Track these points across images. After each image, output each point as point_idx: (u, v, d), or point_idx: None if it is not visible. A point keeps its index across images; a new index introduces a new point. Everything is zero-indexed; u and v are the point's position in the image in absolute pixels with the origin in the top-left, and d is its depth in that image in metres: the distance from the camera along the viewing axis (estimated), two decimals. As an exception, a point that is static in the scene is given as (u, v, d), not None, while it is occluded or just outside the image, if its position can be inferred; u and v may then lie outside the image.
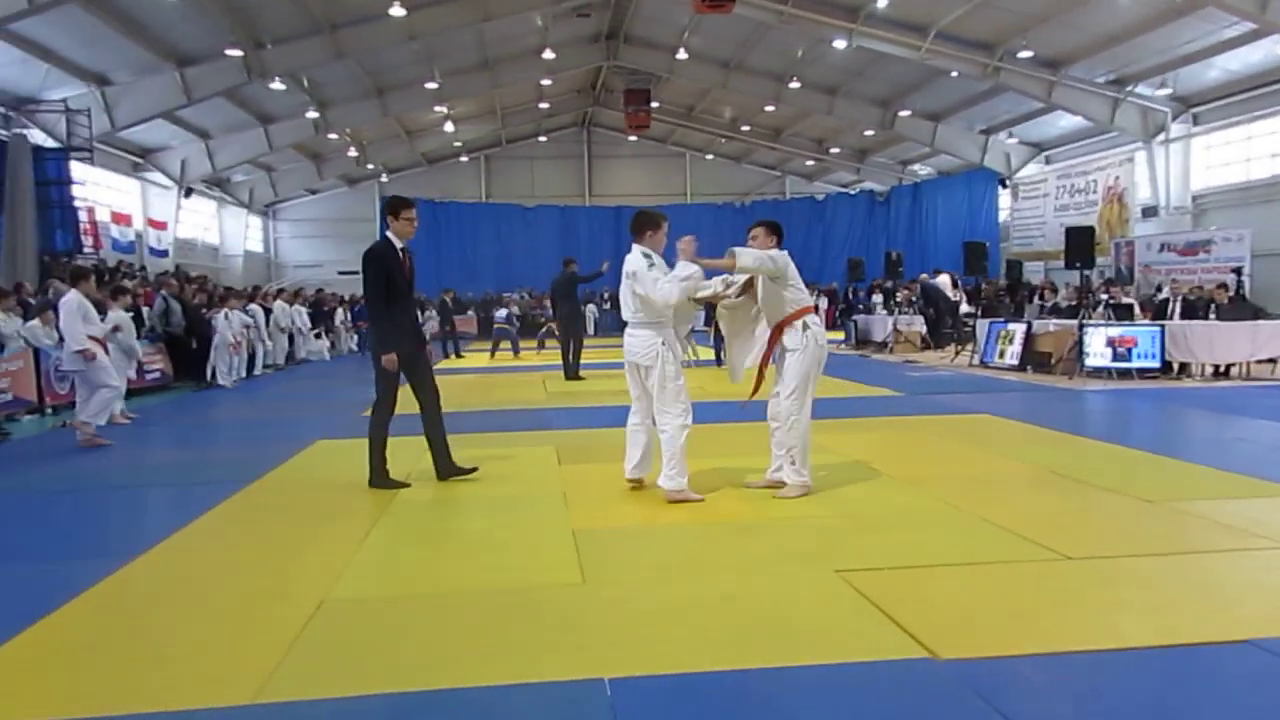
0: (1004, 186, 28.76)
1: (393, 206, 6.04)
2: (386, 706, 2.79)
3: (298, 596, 3.84)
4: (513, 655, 3.14)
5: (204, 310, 15.21)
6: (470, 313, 30.12)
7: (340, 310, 24.21)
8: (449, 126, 29.88)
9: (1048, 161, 27.60)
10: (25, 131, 17.89)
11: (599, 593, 3.81)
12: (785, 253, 5.76)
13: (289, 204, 34.80)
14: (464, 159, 35.50)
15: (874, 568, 4.03)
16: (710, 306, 6.75)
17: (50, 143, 18.62)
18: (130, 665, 3.15)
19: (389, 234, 5.98)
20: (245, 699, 2.83)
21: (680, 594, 3.76)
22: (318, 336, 20.83)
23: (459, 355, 20.46)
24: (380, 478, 6.01)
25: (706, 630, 3.34)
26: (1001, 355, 14.21)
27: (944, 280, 18.67)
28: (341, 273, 32.82)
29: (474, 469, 6.25)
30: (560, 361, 14.06)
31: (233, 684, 2.93)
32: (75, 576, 4.12)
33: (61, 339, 8.60)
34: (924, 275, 20.17)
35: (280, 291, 21.14)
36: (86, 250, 19.17)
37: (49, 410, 10.93)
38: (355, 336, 23.97)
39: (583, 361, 13.84)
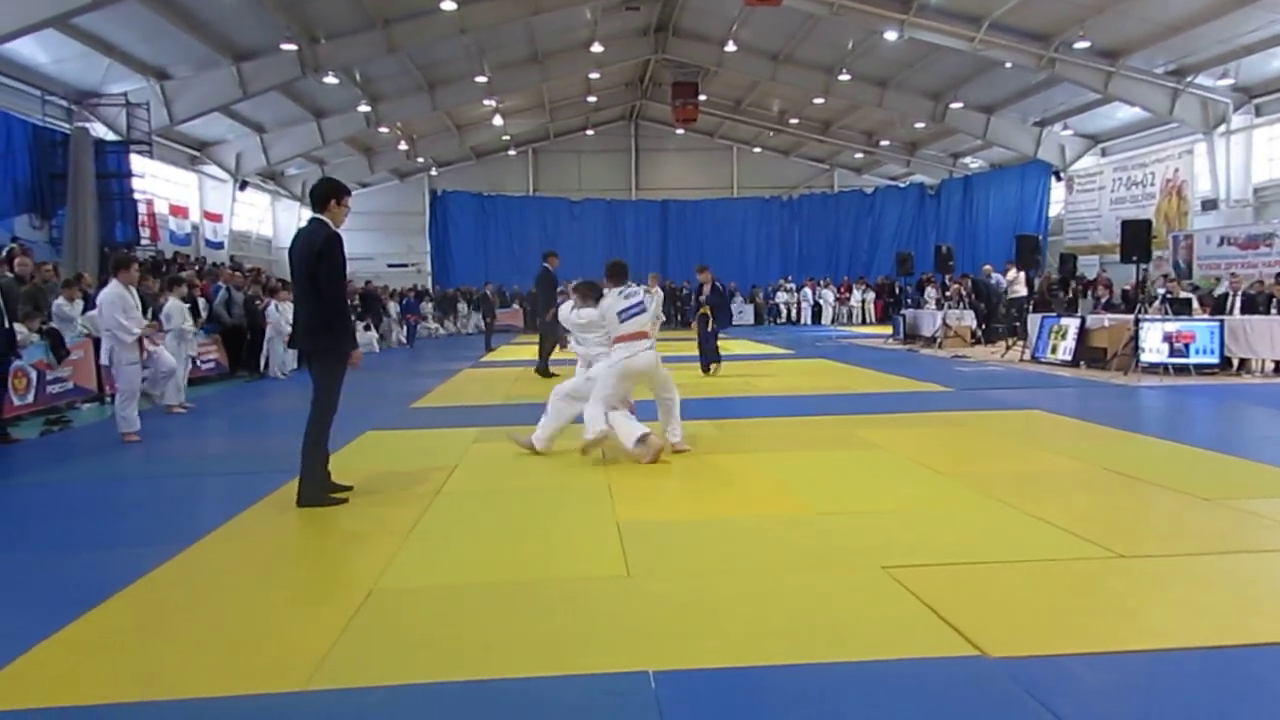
0: (1058, 179, 28.15)
1: (339, 191, 5.57)
2: (435, 695, 2.81)
3: (347, 585, 3.90)
4: (558, 646, 3.16)
5: (258, 302, 15.49)
6: (515, 306, 30.29)
7: (391, 303, 24.50)
8: (498, 120, 30.07)
9: (1104, 153, 26.93)
10: (87, 125, 18.32)
11: (644, 585, 3.81)
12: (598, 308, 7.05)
13: (349, 196, 35.23)
14: (512, 153, 35.67)
15: (922, 564, 3.97)
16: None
17: (111, 136, 19.05)
18: (186, 650, 3.22)
19: (327, 220, 5.46)
20: (298, 686, 2.88)
21: (725, 588, 3.75)
22: (366, 329, 21.11)
23: (490, 349, 20.55)
24: (321, 492, 5.43)
25: (752, 624, 3.32)
26: (1054, 351, 13.93)
27: (1014, 276, 18.27)
28: (391, 265, 33.27)
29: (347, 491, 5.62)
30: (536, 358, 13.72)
31: (286, 671, 2.98)
32: (133, 562, 4.23)
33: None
34: (987, 266, 19.72)
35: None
36: (145, 242, 19.58)
37: (109, 399, 11.22)
38: (405, 329, 24.27)
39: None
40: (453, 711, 2.70)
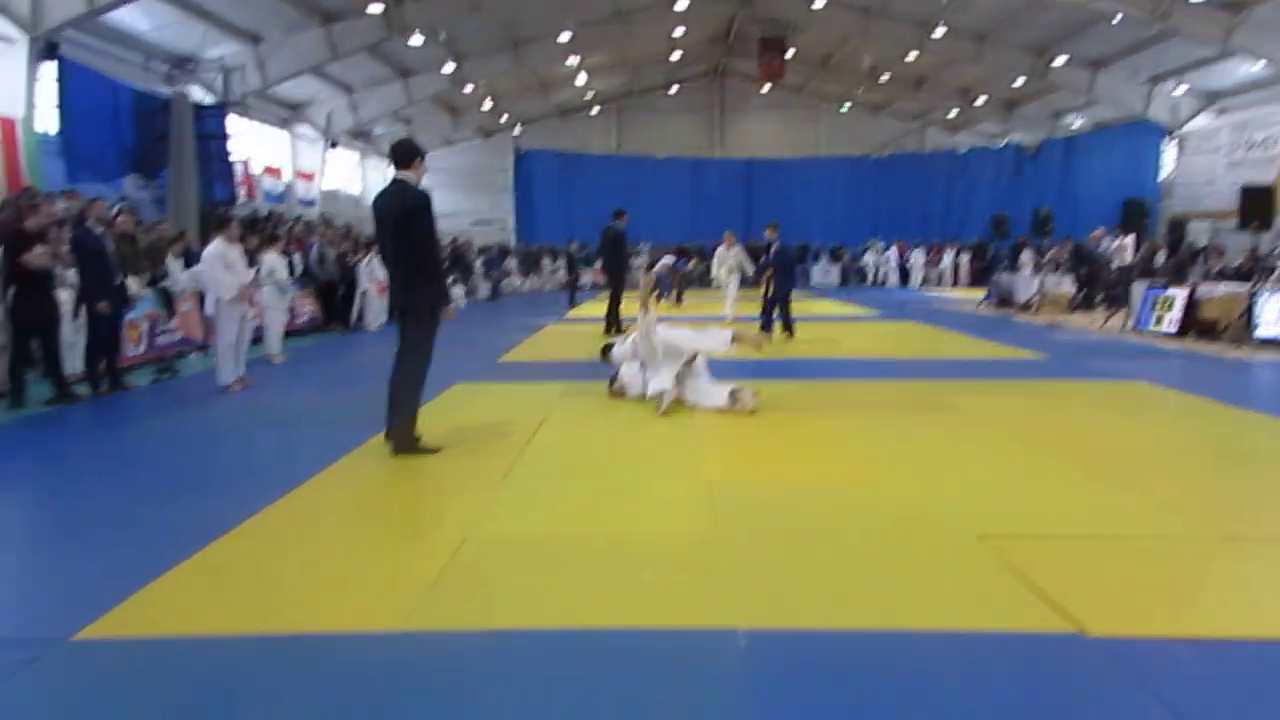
0: (1169, 139, 26.74)
1: (418, 151, 5.77)
2: (526, 640, 2.88)
3: (442, 532, 4.00)
4: (646, 599, 3.19)
5: (349, 257, 15.87)
6: (599, 264, 30.36)
7: (477, 260, 24.84)
8: (581, 78, 29.96)
9: (1221, 113, 25.43)
10: (185, 89, 18.93)
11: (732, 545, 3.81)
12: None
13: (427, 155, 35.77)
14: (595, 111, 35.55)
15: (1020, 536, 3.88)
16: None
17: (208, 99, 19.66)
18: (293, 588, 3.36)
19: (410, 178, 5.64)
20: (396, 626, 2.98)
21: (814, 551, 3.72)
22: (455, 284, 21.45)
23: (574, 304, 20.81)
24: (414, 441, 5.61)
25: (841, 588, 3.30)
26: (1159, 321, 13.33)
27: (1127, 242, 17.48)
28: (476, 222, 33.65)
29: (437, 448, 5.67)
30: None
31: (385, 612, 3.09)
32: (240, 504, 4.42)
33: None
34: (1099, 231, 18.85)
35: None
36: (241, 201, 20.24)
37: (211, 350, 11.67)
38: (489, 285, 24.59)
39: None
40: (543, 657, 2.76)
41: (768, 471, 5.17)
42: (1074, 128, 31.53)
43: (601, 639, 2.88)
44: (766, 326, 12.46)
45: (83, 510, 4.65)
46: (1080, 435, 6.12)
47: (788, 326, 12.65)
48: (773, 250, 12.69)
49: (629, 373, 7.53)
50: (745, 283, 15.74)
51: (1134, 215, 16.10)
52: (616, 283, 13.63)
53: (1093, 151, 29.88)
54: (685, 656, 2.77)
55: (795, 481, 4.90)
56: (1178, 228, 18.50)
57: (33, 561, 3.87)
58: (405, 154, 5.69)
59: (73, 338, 9.00)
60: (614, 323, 13.25)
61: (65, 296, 8.87)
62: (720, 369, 8.41)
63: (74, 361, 8.80)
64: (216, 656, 2.79)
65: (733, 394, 6.86)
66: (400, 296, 5.70)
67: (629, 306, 13.11)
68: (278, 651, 2.81)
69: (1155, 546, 3.80)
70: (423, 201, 5.54)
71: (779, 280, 12.56)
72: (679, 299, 20.77)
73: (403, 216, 5.47)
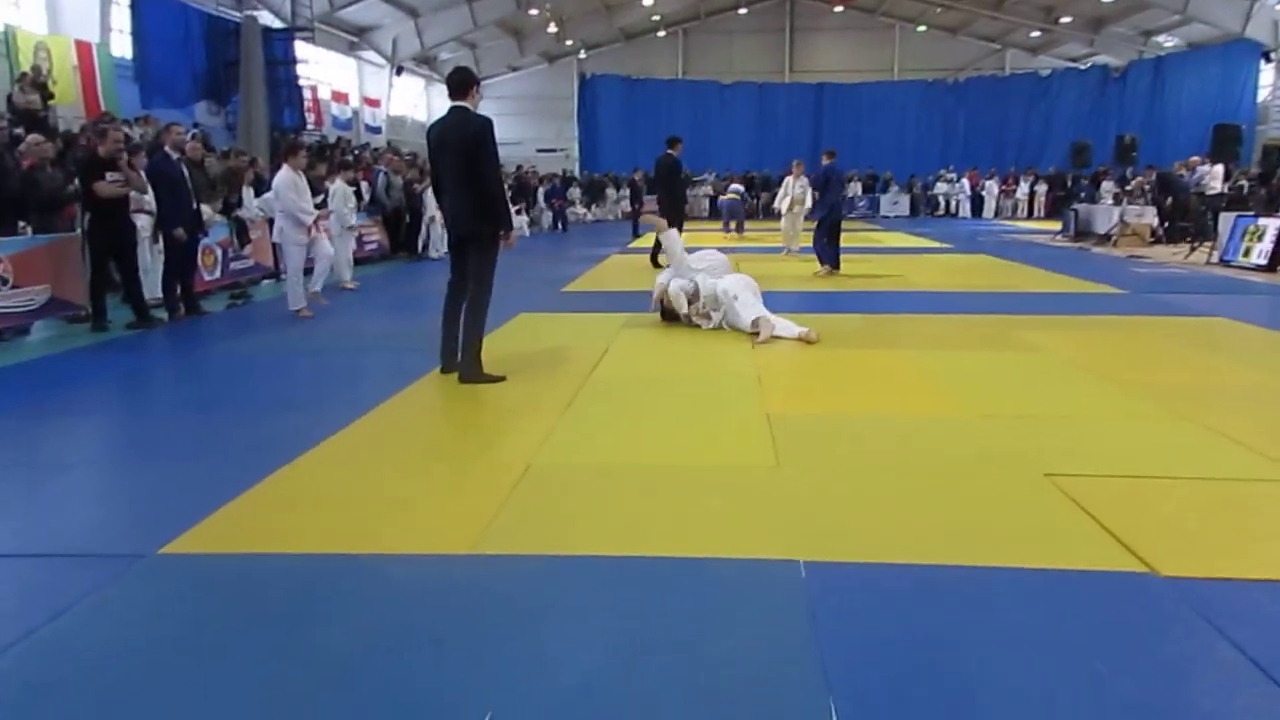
0: (1268, 60, 25.18)
1: (475, 79, 5.78)
2: (590, 567, 2.93)
3: (506, 459, 4.07)
4: (707, 530, 3.22)
5: (415, 185, 15.97)
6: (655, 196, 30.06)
7: (540, 188, 24.79)
8: (647, 0, 29.29)
9: (1326, 30, 23.86)
10: (255, 13, 19.01)
11: (794, 477, 3.81)
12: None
13: (491, 82, 35.48)
14: (661, 34, 34.81)
15: (1089, 474, 3.79)
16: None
17: (277, 23, 19.73)
18: (364, 510, 3.47)
19: (469, 106, 5.65)
20: (465, 549, 3.07)
21: (877, 485, 3.70)
22: (518, 214, 21.48)
23: (637, 235, 20.60)
24: (480, 370, 5.68)
25: (904, 523, 3.28)
26: (1246, 254, 12.76)
27: (1216, 170, 16.64)
28: (540, 150, 33.50)
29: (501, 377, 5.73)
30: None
31: (453, 536, 3.17)
32: (312, 428, 4.56)
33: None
34: (1194, 159, 17.96)
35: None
36: (310, 127, 20.43)
37: (283, 276, 11.93)
38: (551, 214, 24.57)
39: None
40: (607, 583, 2.81)
41: (831, 404, 5.13)
42: (1166, 47, 29.85)
43: (663, 566, 2.92)
44: (824, 259, 12.01)
45: (163, 431, 4.85)
46: (1156, 373, 5.94)
47: (827, 259, 11.96)
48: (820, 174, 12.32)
49: (675, 289, 7.60)
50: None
51: (1225, 142, 15.23)
52: (670, 215, 13.31)
53: (1184, 73, 28.35)
54: (745, 586, 2.80)
55: (859, 415, 4.85)
56: (1273, 155, 17.48)
57: (119, 480, 4.06)
58: (461, 82, 5.68)
59: (150, 263, 9.28)
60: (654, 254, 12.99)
61: (144, 222, 9.12)
62: (781, 303, 8.35)
63: (152, 286, 9.10)
64: (292, 573, 2.90)
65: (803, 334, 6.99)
66: (463, 225, 5.70)
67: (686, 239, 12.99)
68: (349, 571, 2.92)
69: (1232, 488, 3.69)
70: (487, 127, 5.55)
71: (821, 203, 12.12)
72: (740, 229, 20.46)
73: (468, 143, 5.48)
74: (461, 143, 5.50)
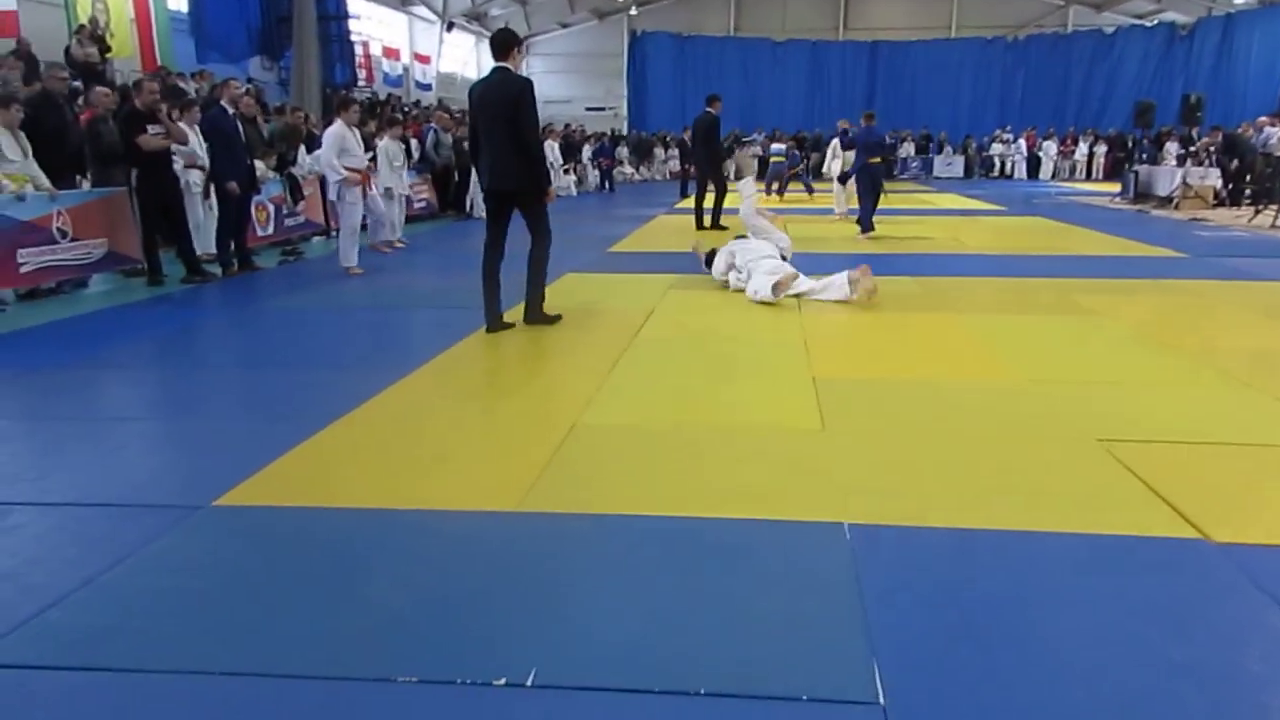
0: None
1: (519, 40, 6.00)
2: (635, 526, 2.95)
3: (552, 418, 4.10)
4: (752, 492, 3.22)
5: (465, 144, 15.96)
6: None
7: (587, 147, 24.65)
8: (700, -46, 28.78)
9: None
10: (308, -33, 19.01)
11: (840, 441, 3.79)
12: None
13: (541, 38, 35.29)
14: (713, -11, 34.20)
15: (1142, 440, 3.72)
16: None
17: (329, -23, 19.72)
18: (414, 466, 3.53)
19: (511, 67, 5.85)
20: (511, 506, 3.10)
21: (925, 449, 3.66)
22: (566, 173, 21.41)
23: (685, 195, 20.42)
24: (543, 313, 6.20)
25: (952, 487, 3.25)
26: (1316, 217, 12.30)
27: (1275, 130, 15.98)
28: (589, 109, 33.26)
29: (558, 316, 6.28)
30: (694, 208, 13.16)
31: (499, 493, 3.21)
32: (364, 383, 4.63)
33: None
34: (1264, 118, 17.17)
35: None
36: (361, 84, 20.50)
37: (334, 233, 12.07)
38: (599, 174, 24.43)
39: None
40: (652, 542, 2.83)
41: (878, 369, 5.08)
42: (1237, 3, 28.62)
43: (708, 527, 2.93)
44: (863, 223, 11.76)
45: (217, 385, 4.97)
46: (1216, 339, 5.78)
47: (862, 219, 11.73)
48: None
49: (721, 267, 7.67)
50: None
51: (1297, 101, 14.61)
52: (709, 176, 13.12)
53: (1255, 30, 27.18)
54: (790, 548, 2.80)
55: (907, 380, 4.80)
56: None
57: (174, 433, 4.15)
58: (504, 43, 5.85)
59: (203, 218, 9.43)
60: (711, 217, 12.80)
61: (197, 177, 9.26)
62: (829, 265, 8.26)
63: (206, 242, 9.26)
64: (341, 527, 2.97)
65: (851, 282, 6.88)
66: (506, 182, 5.88)
67: (727, 199, 12.84)
68: (397, 525, 2.97)
69: (1292, 458, 3.60)
70: (528, 89, 5.75)
71: (859, 164, 11.86)
72: (781, 192, 20.11)
73: (509, 104, 5.66)
74: (502, 103, 5.68)
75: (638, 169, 28.60)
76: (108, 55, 13.52)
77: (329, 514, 3.07)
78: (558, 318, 6.23)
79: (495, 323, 6.00)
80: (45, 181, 7.64)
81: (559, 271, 8.25)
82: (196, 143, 8.96)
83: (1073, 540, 2.83)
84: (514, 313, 6.24)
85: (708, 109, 12.58)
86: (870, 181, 11.69)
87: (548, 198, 6.05)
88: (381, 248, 10.46)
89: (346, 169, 8.75)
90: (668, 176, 27.61)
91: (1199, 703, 2.03)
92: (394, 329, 6.49)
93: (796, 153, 22.61)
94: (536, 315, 6.18)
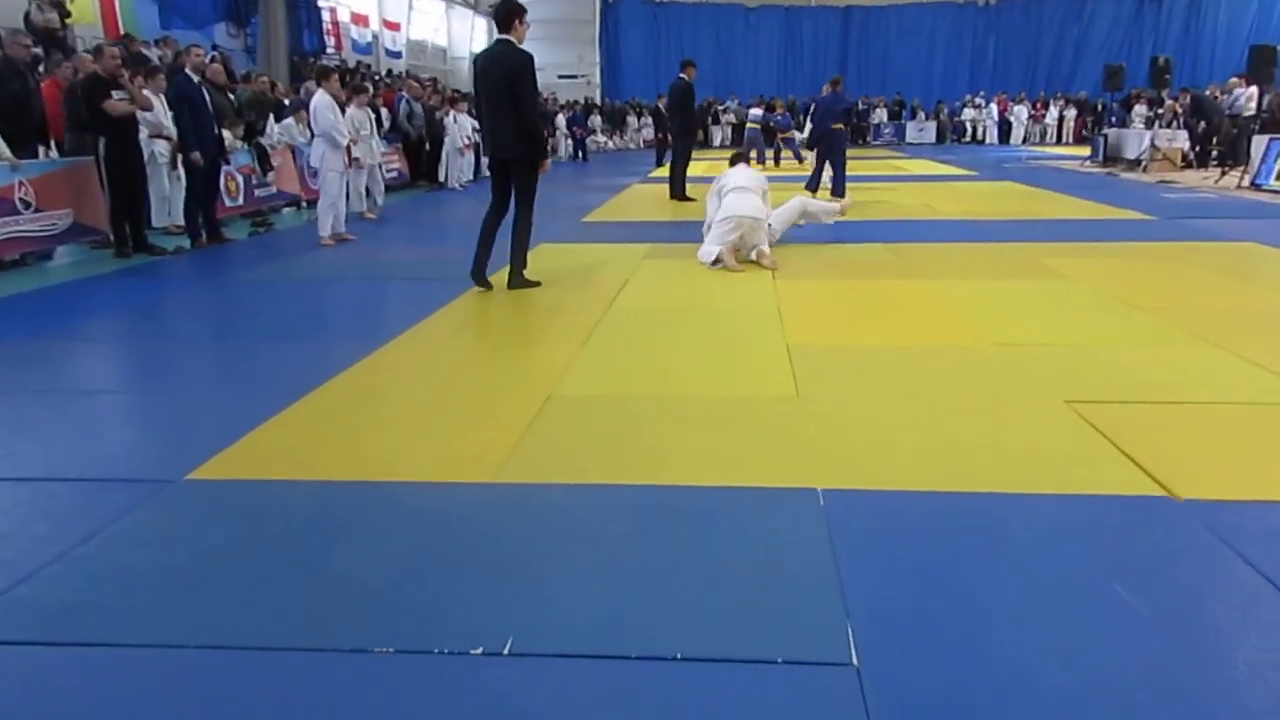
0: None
1: (521, 11, 6.11)
2: (610, 496, 2.97)
3: (527, 390, 4.10)
4: (726, 459, 3.24)
5: (438, 113, 15.77)
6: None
7: (560, 116, 24.41)
8: (671, -82, 28.41)
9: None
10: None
11: (814, 407, 3.82)
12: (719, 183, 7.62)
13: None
14: (686, -45, 33.82)
15: (1109, 400, 3.78)
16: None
17: (294, -60, 19.25)
18: (390, 438, 3.51)
19: (513, 40, 6.04)
20: (488, 478, 3.10)
21: (896, 414, 3.70)
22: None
23: (660, 164, 20.32)
24: (524, 278, 6.39)
25: (923, 451, 3.29)
26: (1280, 178, 12.46)
27: (1251, 92, 16.07)
28: (561, 76, 32.87)
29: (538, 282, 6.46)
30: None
31: (475, 464, 3.21)
32: (338, 355, 4.61)
33: (314, 136, 9.04)
34: (1234, 79, 17.22)
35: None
36: (330, 51, 20.13)
37: (305, 204, 11.93)
38: (571, 143, 24.22)
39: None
40: (627, 511, 2.84)
41: (852, 335, 5.11)
42: (1206, -34, 28.75)
43: (682, 495, 2.95)
44: (811, 185, 11.80)
45: (188, 358, 4.92)
46: (1183, 299, 5.87)
47: (828, 185, 11.78)
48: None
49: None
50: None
51: (1261, 64, 14.70)
52: (683, 142, 12.98)
53: (1224, -9, 27.29)
54: (764, 514, 2.82)
55: (880, 346, 4.83)
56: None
57: (145, 406, 4.12)
58: (506, 15, 6.04)
59: (170, 189, 9.26)
60: (680, 187, 12.65)
61: (163, 148, 9.08)
62: (803, 233, 8.27)
63: (175, 213, 9.11)
64: (315, 500, 2.96)
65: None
66: (506, 149, 6.11)
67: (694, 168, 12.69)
68: (372, 498, 2.97)
69: (1256, 412, 3.67)
70: (528, 63, 5.98)
71: (822, 129, 11.79)
72: (777, 160, 19.99)
73: (511, 75, 5.91)
74: (502, 76, 5.95)
75: (611, 138, 28.39)
76: (68, 21, 13.15)
77: (303, 487, 3.05)
78: (538, 283, 6.41)
79: (480, 276, 6.30)
80: (5, 151, 7.47)
81: (533, 241, 8.19)
82: (162, 111, 8.77)
83: (1042, 501, 2.87)
84: (495, 277, 6.39)
85: (681, 75, 12.45)
86: (834, 147, 11.69)
87: (542, 168, 6.25)
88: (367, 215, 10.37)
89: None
90: (641, 145, 27.43)
91: (1166, 655, 2.07)
92: (367, 301, 6.44)
93: (787, 115, 22.38)
94: (519, 280, 6.38)
